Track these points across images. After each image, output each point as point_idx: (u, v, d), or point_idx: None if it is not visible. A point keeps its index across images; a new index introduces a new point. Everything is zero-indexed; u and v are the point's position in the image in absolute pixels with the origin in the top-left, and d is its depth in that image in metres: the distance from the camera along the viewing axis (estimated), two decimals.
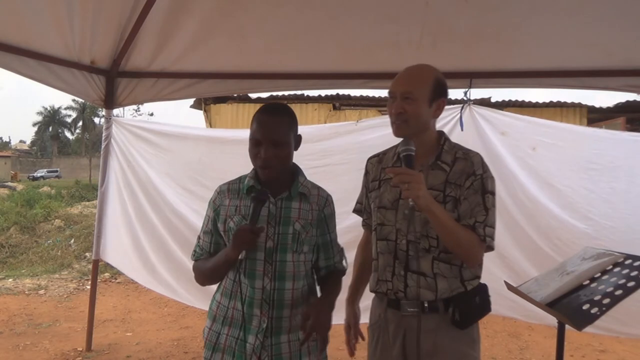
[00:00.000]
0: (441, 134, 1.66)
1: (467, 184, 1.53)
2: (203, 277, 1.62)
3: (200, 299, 3.44)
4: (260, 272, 1.50)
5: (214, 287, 1.66)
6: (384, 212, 1.64)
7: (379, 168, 1.73)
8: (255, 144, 1.49)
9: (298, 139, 1.58)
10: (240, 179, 1.62)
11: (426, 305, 1.54)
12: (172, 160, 3.66)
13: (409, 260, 1.56)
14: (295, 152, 1.57)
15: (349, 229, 3.03)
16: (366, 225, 1.82)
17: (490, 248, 1.55)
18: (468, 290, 1.56)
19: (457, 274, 1.55)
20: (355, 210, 1.87)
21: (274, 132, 1.48)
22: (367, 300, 1.80)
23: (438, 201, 1.51)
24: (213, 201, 1.62)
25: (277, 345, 1.50)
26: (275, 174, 1.52)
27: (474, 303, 1.56)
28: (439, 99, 1.58)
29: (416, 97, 1.53)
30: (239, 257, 1.46)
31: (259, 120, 1.51)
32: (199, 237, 1.67)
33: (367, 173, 1.80)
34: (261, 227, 1.47)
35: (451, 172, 1.56)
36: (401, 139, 1.56)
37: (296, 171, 1.62)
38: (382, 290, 1.63)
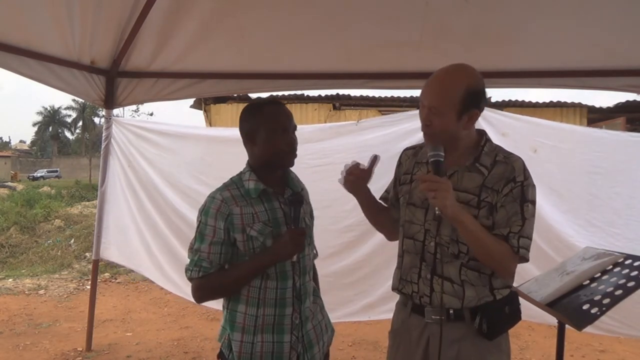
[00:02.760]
0: (482, 134, 1.54)
1: (506, 190, 1.43)
2: (224, 288, 1.54)
3: None
4: (290, 272, 1.54)
5: None
6: (413, 210, 1.55)
7: (412, 162, 1.64)
8: (283, 132, 1.52)
9: None
10: (237, 185, 1.54)
11: (451, 312, 1.46)
12: (175, 159, 3.65)
13: (436, 264, 1.47)
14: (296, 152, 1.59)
15: (349, 228, 3.03)
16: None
17: (525, 259, 1.45)
18: (497, 299, 1.47)
19: (486, 283, 1.47)
20: (381, 198, 1.80)
21: (292, 119, 1.56)
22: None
23: (472, 206, 1.44)
24: (219, 211, 1.47)
25: (307, 333, 1.56)
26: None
27: (503, 313, 1.47)
28: (471, 110, 1.43)
29: (443, 111, 1.41)
30: (293, 259, 1.50)
31: (275, 111, 1.54)
32: (199, 251, 1.50)
33: (400, 164, 1.71)
34: (305, 228, 1.54)
35: (489, 175, 1.45)
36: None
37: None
38: (406, 291, 1.56)
